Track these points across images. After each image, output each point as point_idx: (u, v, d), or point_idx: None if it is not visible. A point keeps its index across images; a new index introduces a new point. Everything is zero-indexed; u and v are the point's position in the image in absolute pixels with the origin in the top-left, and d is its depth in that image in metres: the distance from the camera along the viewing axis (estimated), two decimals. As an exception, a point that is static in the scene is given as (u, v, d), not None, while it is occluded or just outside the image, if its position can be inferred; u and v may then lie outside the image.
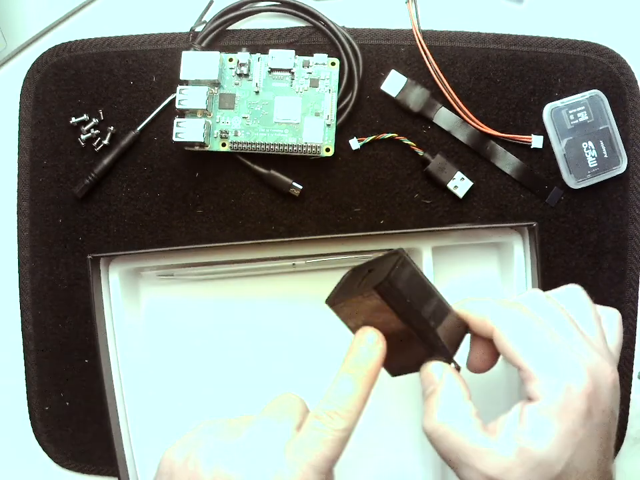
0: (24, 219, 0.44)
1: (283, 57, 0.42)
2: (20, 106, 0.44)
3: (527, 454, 0.25)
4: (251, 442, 0.28)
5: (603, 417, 0.26)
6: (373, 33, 0.43)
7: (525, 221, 0.40)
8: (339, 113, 0.43)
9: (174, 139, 0.41)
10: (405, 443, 0.43)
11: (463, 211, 0.44)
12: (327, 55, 0.42)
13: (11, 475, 0.46)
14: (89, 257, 0.38)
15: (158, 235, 0.44)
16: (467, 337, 0.31)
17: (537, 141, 0.43)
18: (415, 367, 0.30)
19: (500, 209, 0.44)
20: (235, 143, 0.42)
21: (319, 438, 0.27)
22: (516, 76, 0.43)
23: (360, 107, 0.43)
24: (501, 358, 0.30)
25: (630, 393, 0.44)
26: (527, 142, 0.43)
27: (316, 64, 0.42)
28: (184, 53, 0.41)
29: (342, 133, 0.43)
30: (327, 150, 0.42)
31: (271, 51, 0.42)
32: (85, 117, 0.44)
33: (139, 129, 0.43)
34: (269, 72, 0.42)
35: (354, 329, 0.30)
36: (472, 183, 0.43)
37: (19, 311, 0.44)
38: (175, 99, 0.41)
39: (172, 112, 0.42)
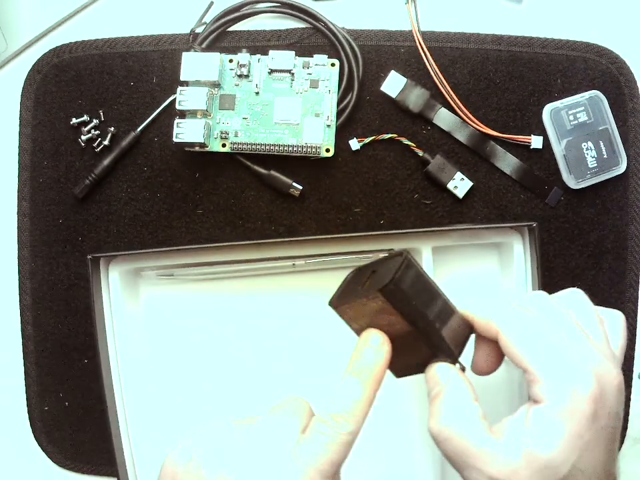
0: (24, 219, 0.44)
1: (282, 57, 0.42)
2: (20, 107, 0.44)
3: (532, 457, 0.25)
4: (255, 446, 0.28)
5: (609, 420, 0.26)
6: (373, 34, 0.43)
7: (525, 221, 0.40)
8: (338, 114, 0.43)
9: (174, 139, 0.41)
10: (410, 441, 0.43)
11: (463, 211, 0.44)
12: (326, 56, 0.42)
13: (11, 475, 0.46)
14: (89, 257, 0.38)
15: (158, 235, 0.44)
16: (472, 339, 0.31)
17: (536, 142, 0.43)
18: (420, 368, 0.30)
19: (500, 209, 0.44)
20: (235, 143, 0.42)
21: (325, 442, 0.27)
22: (515, 76, 0.43)
23: (360, 107, 0.43)
24: (505, 360, 0.30)
25: (630, 393, 0.44)
26: (526, 142, 0.43)
27: (316, 65, 0.42)
28: (184, 54, 0.41)
29: (342, 134, 0.43)
30: (327, 150, 0.42)
31: (270, 51, 0.42)
32: (85, 117, 0.44)
33: (139, 129, 0.43)
34: (269, 73, 0.42)
35: (358, 331, 0.30)
36: (472, 183, 0.43)
37: (19, 311, 0.44)
38: (175, 99, 0.41)
39: (172, 113, 0.43)
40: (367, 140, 0.43)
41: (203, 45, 0.43)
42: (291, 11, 0.43)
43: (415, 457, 0.42)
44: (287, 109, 0.42)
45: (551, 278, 0.43)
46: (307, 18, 0.43)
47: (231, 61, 0.42)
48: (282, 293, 0.43)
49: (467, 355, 0.31)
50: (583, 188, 0.43)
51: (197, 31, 0.43)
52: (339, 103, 0.43)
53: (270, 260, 0.41)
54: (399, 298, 0.28)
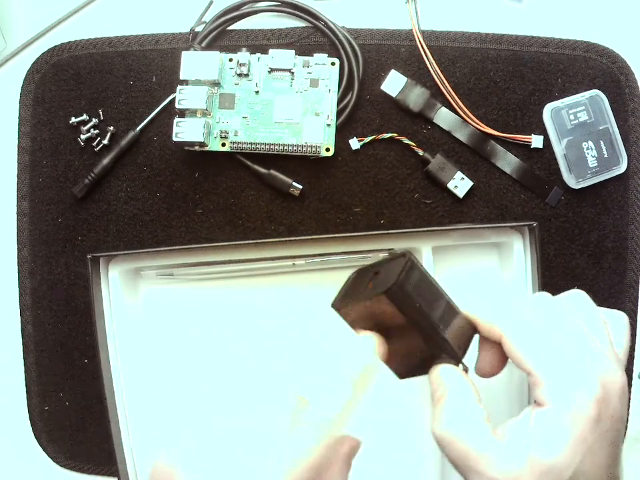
0: (23, 219, 0.44)
1: (282, 56, 0.42)
2: (20, 106, 0.44)
3: (536, 461, 0.25)
4: (237, 452, 0.26)
5: (612, 423, 0.26)
6: (373, 33, 0.43)
7: (525, 221, 0.40)
8: (338, 113, 0.43)
9: (174, 138, 0.41)
10: (413, 441, 0.43)
11: (463, 210, 0.44)
12: (326, 55, 0.42)
13: (11, 475, 0.46)
14: (89, 256, 0.38)
15: (158, 234, 0.44)
16: (476, 339, 0.31)
17: (537, 141, 0.43)
18: (423, 369, 0.30)
19: (500, 209, 0.44)
20: (235, 142, 0.42)
21: (311, 445, 0.26)
22: (516, 76, 0.43)
23: (360, 106, 0.43)
24: (508, 361, 0.30)
25: (630, 393, 0.44)
26: (527, 142, 0.43)
27: (316, 64, 0.42)
28: (184, 53, 0.41)
29: (342, 133, 0.43)
30: (327, 150, 0.42)
31: (270, 50, 0.42)
32: (84, 116, 0.44)
33: (138, 128, 0.43)
34: (269, 72, 0.42)
35: (360, 328, 0.30)
36: (472, 183, 0.43)
37: (19, 311, 0.44)
38: (174, 98, 0.41)
39: (172, 112, 0.42)
40: (367, 139, 0.43)
41: (203, 44, 0.43)
42: (291, 10, 0.43)
43: (418, 458, 0.42)
44: (287, 108, 0.42)
45: (550, 278, 0.43)
46: (307, 17, 0.43)
47: (230, 60, 0.42)
48: (282, 293, 0.43)
49: (471, 356, 0.31)
50: (583, 187, 0.43)
51: (196, 30, 0.43)
52: (339, 102, 0.42)
53: (270, 260, 0.41)
54: (403, 300, 0.28)
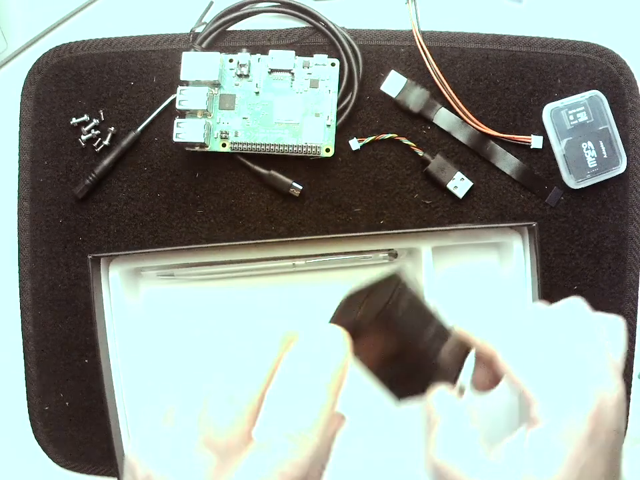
0: (24, 219, 0.44)
1: (283, 57, 0.42)
2: (21, 106, 0.44)
3: None
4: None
5: (608, 437, 0.26)
6: (373, 34, 0.43)
7: (525, 221, 0.40)
8: (338, 114, 0.43)
9: (174, 139, 0.41)
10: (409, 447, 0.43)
11: (463, 211, 0.44)
12: (327, 56, 0.42)
13: (11, 474, 0.46)
14: (89, 256, 0.38)
15: (158, 235, 0.44)
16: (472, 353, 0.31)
17: (536, 141, 0.43)
18: (418, 392, 0.29)
19: (500, 209, 0.44)
20: (235, 143, 0.42)
21: (289, 460, 0.22)
22: (516, 76, 0.43)
23: (360, 107, 0.43)
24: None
25: (630, 393, 0.44)
26: (526, 142, 0.43)
27: (316, 64, 0.42)
28: (184, 54, 0.41)
29: (342, 133, 0.43)
30: (327, 150, 0.42)
31: (271, 51, 0.42)
32: (85, 117, 0.44)
33: (139, 129, 0.43)
34: (269, 72, 0.42)
35: (356, 355, 0.29)
36: (472, 183, 0.43)
37: (19, 311, 0.44)
38: (175, 99, 0.41)
39: (172, 112, 0.43)
40: (367, 140, 0.43)
41: (203, 45, 0.43)
42: (291, 11, 0.43)
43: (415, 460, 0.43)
44: (287, 108, 0.42)
45: (550, 278, 0.43)
46: (307, 17, 0.43)
47: (231, 60, 0.42)
48: (282, 293, 0.43)
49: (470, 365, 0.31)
50: (582, 188, 0.43)
51: (197, 31, 0.43)
52: (339, 103, 0.43)
53: (270, 260, 0.41)
54: (394, 322, 0.27)
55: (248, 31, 0.44)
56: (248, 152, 0.43)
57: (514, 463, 0.25)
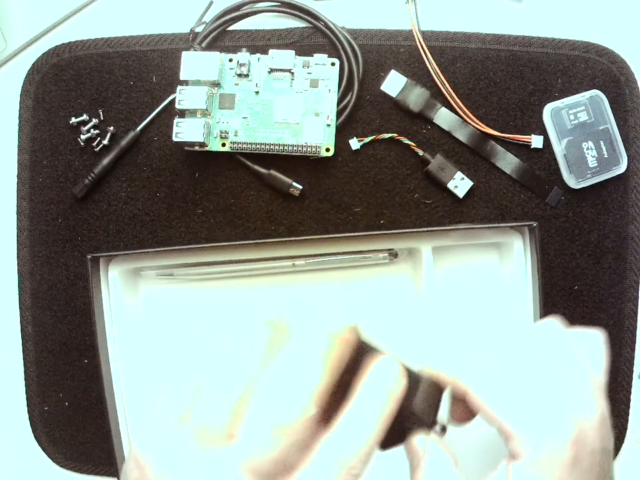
0: (23, 219, 0.44)
1: (282, 57, 0.42)
2: (20, 106, 0.44)
3: None
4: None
5: (592, 458, 0.25)
6: (373, 34, 0.43)
7: (525, 221, 0.40)
8: (338, 113, 0.43)
9: (174, 139, 0.41)
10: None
11: (463, 211, 0.44)
12: (326, 55, 0.42)
13: (11, 474, 0.46)
14: (89, 256, 0.38)
15: (158, 234, 0.44)
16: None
17: (537, 141, 0.43)
18: (400, 438, 0.28)
19: (500, 209, 0.44)
20: (235, 143, 0.42)
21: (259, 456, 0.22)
22: (516, 76, 0.43)
23: (360, 107, 0.43)
24: None
25: (630, 393, 0.44)
26: (527, 142, 0.43)
27: (316, 64, 0.42)
28: (184, 53, 0.41)
29: (342, 133, 0.43)
30: (327, 150, 0.42)
31: (270, 51, 0.42)
32: (84, 117, 0.44)
33: (138, 129, 0.43)
34: (269, 72, 0.42)
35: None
36: (472, 183, 0.43)
37: (19, 311, 0.44)
38: (174, 99, 0.41)
39: (172, 112, 0.43)
40: (367, 139, 0.43)
41: (203, 44, 0.43)
42: (290, 10, 0.43)
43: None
44: (287, 108, 0.42)
45: (551, 278, 0.43)
46: (307, 17, 0.43)
47: (230, 60, 0.42)
48: (282, 293, 0.42)
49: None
50: (583, 188, 0.43)
51: (196, 30, 0.43)
52: (339, 103, 0.43)
53: (270, 260, 0.41)
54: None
55: (248, 30, 0.44)
56: (248, 151, 0.43)
57: None
